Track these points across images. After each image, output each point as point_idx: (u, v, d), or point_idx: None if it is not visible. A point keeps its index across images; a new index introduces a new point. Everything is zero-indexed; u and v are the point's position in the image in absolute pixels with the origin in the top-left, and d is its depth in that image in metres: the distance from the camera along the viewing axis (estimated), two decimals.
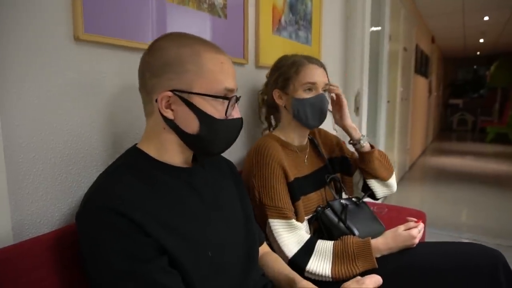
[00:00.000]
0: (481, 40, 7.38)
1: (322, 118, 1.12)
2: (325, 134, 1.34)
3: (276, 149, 1.06)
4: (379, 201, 1.35)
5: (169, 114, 0.68)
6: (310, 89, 1.10)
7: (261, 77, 1.40)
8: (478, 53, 9.29)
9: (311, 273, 0.97)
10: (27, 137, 0.70)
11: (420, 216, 1.85)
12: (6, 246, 0.64)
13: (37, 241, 0.68)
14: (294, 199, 1.06)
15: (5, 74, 0.66)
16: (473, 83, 10.67)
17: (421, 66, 5.49)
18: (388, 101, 3.42)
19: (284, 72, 1.13)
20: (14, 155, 0.68)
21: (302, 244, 1.00)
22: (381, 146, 3.22)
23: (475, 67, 10.78)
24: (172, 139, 0.71)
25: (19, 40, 0.68)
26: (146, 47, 0.73)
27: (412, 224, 1.06)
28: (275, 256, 0.94)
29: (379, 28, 2.98)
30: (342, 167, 1.29)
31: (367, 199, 1.22)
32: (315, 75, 1.10)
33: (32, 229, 0.72)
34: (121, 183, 0.64)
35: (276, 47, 1.47)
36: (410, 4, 4.23)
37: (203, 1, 1.08)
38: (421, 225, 1.06)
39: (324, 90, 1.13)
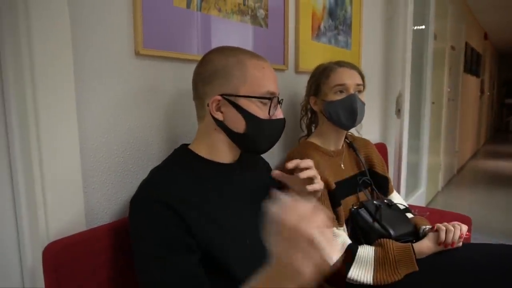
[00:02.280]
0: None
1: (354, 117, 1.14)
2: (372, 149, 1.35)
3: (316, 162, 1.08)
4: (420, 204, 1.33)
5: (219, 116, 0.78)
6: (340, 91, 1.14)
7: (301, 82, 1.46)
8: None
9: (352, 280, 1.01)
10: (96, 139, 0.82)
11: (465, 220, 1.80)
12: (81, 231, 0.76)
13: (103, 228, 0.79)
14: (335, 204, 1.10)
15: (81, 88, 0.78)
16: None
17: (472, 64, 5.22)
18: (433, 103, 3.32)
19: (317, 79, 1.20)
20: (87, 154, 0.80)
21: (342, 251, 1.03)
22: (425, 148, 3.13)
23: None
24: (222, 138, 0.80)
25: (93, 57, 0.80)
26: (195, 58, 0.83)
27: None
28: None
29: (422, 27, 2.91)
30: (379, 185, 1.29)
31: (408, 202, 1.23)
32: (344, 77, 1.13)
33: (100, 217, 0.84)
34: (170, 177, 0.74)
35: (315, 52, 1.52)
36: (459, 0, 4.06)
37: (246, 13, 1.16)
38: (465, 227, 1.05)
39: (359, 91, 1.16)
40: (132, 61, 0.87)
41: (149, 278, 0.67)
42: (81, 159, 0.78)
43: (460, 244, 1.04)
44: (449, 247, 1.02)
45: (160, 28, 0.91)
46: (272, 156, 1.36)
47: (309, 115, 1.30)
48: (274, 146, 1.38)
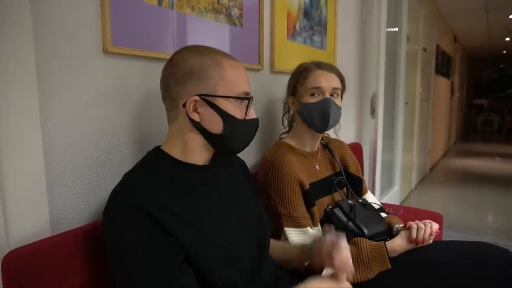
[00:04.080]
0: (507, 39, 7.16)
1: (326, 122, 1.14)
2: (347, 150, 1.36)
3: (290, 162, 1.10)
4: (394, 203, 1.34)
5: (195, 116, 0.76)
6: (316, 94, 1.14)
7: (276, 82, 1.46)
8: (505, 51, 9.00)
9: None
10: (62, 141, 0.79)
11: (436, 218, 1.85)
12: (46, 238, 0.72)
13: (71, 233, 0.75)
14: (310, 204, 1.10)
15: (45, 86, 0.74)
16: (500, 83, 10.34)
17: (442, 66, 5.40)
18: (406, 103, 3.40)
19: (295, 79, 1.19)
20: (51, 157, 0.77)
21: None
22: (398, 147, 3.21)
23: (501, 66, 10.43)
24: (197, 140, 0.78)
25: (57, 55, 0.76)
26: (167, 57, 0.80)
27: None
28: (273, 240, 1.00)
29: (396, 29, 2.98)
30: (354, 186, 1.31)
31: (383, 201, 1.24)
32: (321, 80, 1.13)
33: (66, 223, 0.80)
34: (143, 181, 0.71)
35: (291, 52, 1.53)
36: (430, 4, 4.18)
37: (220, 12, 1.15)
38: (435, 225, 1.07)
39: (335, 95, 1.16)
40: (100, 59, 0.84)
41: None
42: (45, 162, 0.74)
43: (431, 241, 1.06)
44: (420, 244, 1.04)
45: (130, 25, 0.89)
46: (248, 157, 1.35)
47: (291, 113, 1.30)
48: (251, 147, 1.38)
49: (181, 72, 0.75)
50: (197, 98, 0.74)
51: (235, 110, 0.77)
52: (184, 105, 0.75)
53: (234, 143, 0.80)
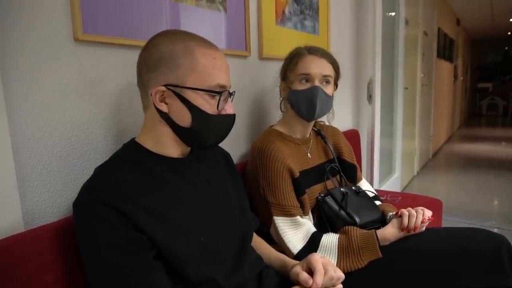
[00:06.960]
0: (511, 20, 7.00)
1: (313, 111, 1.09)
2: (340, 137, 1.33)
3: (279, 149, 1.07)
4: (395, 189, 1.29)
5: (163, 107, 0.72)
6: (305, 80, 1.09)
7: (266, 68, 1.42)
8: (509, 33, 8.81)
9: None
10: (33, 133, 0.76)
11: (435, 204, 1.82)
12: (18, 233, 0.70)
13: (45, 228, 0.73)
14: (300, 193, 1.07)
15: (11, 76, 0.71)
16: (504, 65, 10.15)
17: (445, 50, 5.29)
18: (406, 88, 3.34)
19: (287, 64, 1.15)
20: (22, 150, 0.74)
21: (306, 240, 1.01)
22: (398, 133, 3.16)
23: (506, 48, 10.23)
24: (167, 131, 0.75)
25: (23, 44, 0.73)
26: (144, 44, 0.77)
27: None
28: (258, 239, 0.97)
29: (393, 13, 2.90)
30: (347, 173, 1.27)
31: (382, 188, 1.21)
32: (311, 66, 1.08)
33: (42, 217, 0.78)
34: (115, 175, 0.68)
35: (281, 38, 1.48)
36: None
37: None
38: (428, 212, 1.03)
39: (326, 82, 1.11)
40: (71, 48, 0.81)
41: (106, 286, 0.63)
42: (14, 156, 0.72)
43: (423, 229, 1.03)
44: (412, 232, 1.01)
45: (103, 11, 0.85)
46: (238, 147, 1.32)
47: None
48: (241, 137, 1.35)
49: (153, 59, 0.71)
50: (163, 88, 0.70)
51: (205, 104, 0.72)
52: (151, 94, 0.71)
53: (203, 138, 0.75)
